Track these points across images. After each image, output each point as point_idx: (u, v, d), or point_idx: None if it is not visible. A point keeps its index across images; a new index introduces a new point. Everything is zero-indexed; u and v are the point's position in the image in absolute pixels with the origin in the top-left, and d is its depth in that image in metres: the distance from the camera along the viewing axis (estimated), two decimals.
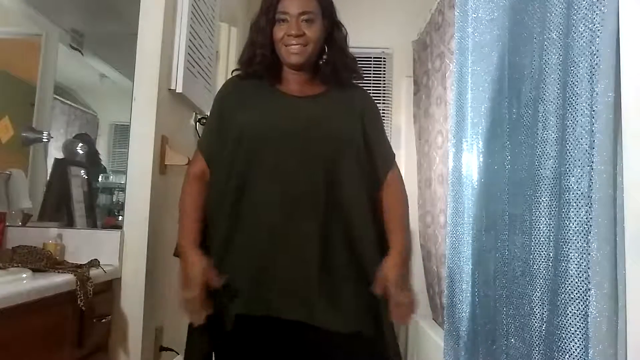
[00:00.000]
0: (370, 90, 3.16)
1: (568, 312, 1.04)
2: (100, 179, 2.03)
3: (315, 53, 1.28)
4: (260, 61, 1.28)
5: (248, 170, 1.21)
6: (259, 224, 1.20)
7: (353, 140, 1.27)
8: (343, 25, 1.34)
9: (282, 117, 1.26)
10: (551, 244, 1.16)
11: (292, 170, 1.21)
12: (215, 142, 1.30)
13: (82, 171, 1.90)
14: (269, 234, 1.19)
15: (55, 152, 1.92)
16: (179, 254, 1.28)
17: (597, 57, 1.02)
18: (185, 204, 1.28)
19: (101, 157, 2.05)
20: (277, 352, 1.20)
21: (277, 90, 1.30)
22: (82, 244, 1.57)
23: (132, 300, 1.57)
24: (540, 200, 1.21)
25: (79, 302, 1.28)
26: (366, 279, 1.19)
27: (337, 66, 1.31)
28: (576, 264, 1.03)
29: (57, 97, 1.94)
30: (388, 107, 3.22)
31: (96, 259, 1.49)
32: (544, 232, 1.20)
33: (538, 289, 1.21)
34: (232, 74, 1.38)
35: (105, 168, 2.04)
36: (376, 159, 1.31)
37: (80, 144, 1.97)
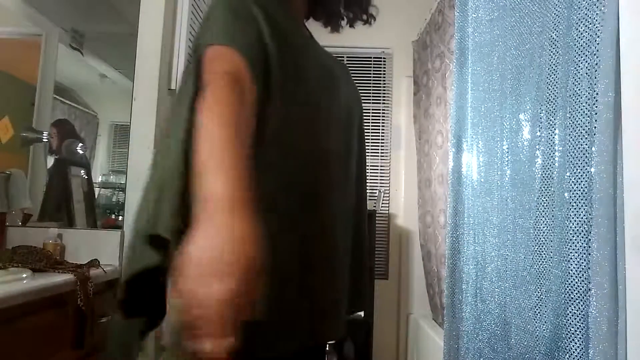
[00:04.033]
0: (370, 90, 3.17)
1: (568, 312, 1.04)
2: (100, 179, 2.03)
3: None
4: None
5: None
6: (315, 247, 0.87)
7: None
8: None
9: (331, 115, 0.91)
10: (551, 244, 1.16)
11: (339, 176, 0.94)
12: (260, 54, 0.77)
13: (82, 171, 1.90)
14: (321, 255, 0.89)
15: None
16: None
17: (597, 57, 1.02)
18: (234, 137, 0.63)
19: (81, 142, 2.00)
20: None
21: (309, 48, 0.93)
22: (82, 244, 1.57)
23: None
24: (540, 200, 1.21)
25: (79, 302, 1.29)
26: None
27: None
28: (576, 264, 1.03)
29: (57, 97, 1.94)
30: (388, 107, 3.22)
31: (96, 259, 1.49)
32: (544, 232, 1.20)
33: (538, 289, 1.21)
34: None
35: (85, 155, 1.99)
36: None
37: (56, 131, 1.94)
